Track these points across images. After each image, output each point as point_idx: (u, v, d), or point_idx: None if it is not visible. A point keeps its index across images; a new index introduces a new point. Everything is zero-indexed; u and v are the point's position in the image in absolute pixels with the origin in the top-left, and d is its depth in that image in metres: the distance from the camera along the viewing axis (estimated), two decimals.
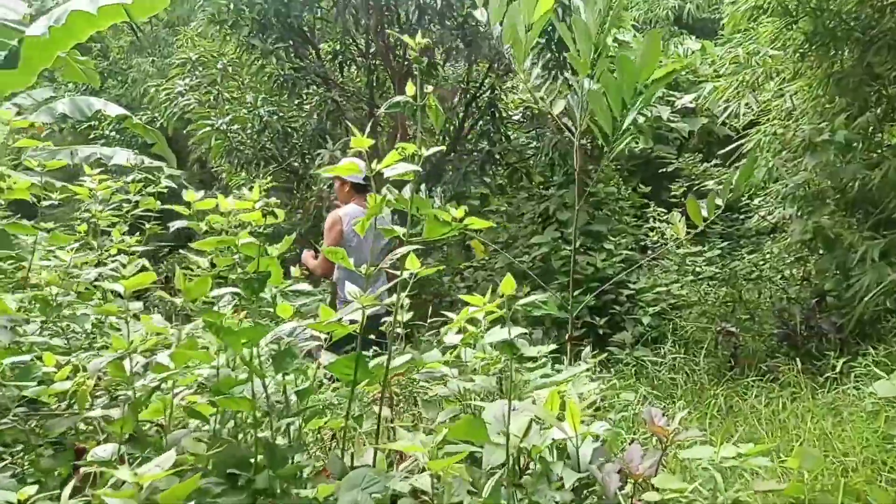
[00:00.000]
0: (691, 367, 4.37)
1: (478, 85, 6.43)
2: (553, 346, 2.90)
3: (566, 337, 3.71)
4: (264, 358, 1.54)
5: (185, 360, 1.53)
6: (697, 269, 5.40)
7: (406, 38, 1.86)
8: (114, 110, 8.94)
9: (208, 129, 5.96)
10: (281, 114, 6.14)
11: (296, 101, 6.22)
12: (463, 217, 1.76)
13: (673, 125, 8.65)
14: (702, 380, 4.21)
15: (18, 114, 10.68)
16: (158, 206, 4.42)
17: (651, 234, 6.00)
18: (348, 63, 6.67)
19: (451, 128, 6.57)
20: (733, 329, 4.34)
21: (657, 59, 2.85)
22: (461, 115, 6.53)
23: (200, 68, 6.82)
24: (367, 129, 6.54)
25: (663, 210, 6.46)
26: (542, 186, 6.38)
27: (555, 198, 5.84)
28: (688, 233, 3.47)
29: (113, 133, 11.93)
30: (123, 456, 1.53)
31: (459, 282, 6.61)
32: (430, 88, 1.67)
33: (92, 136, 12.40)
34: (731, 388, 4.12)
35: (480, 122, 6.52)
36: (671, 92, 9.14)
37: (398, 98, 1.70)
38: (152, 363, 1.54)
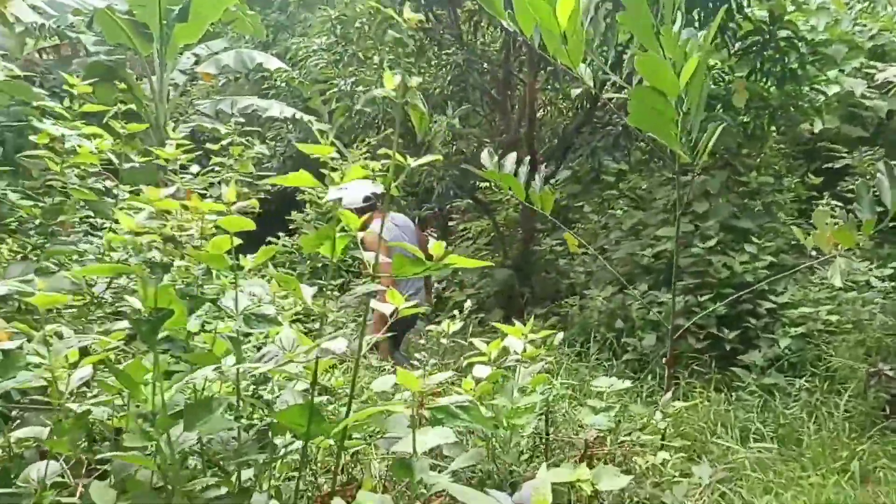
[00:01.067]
0: (831, 408, 3.59)
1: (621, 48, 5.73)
2: (628, 384, 2.46)
3: (663, 359, 3.16)
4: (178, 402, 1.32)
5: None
6: (861, 287, 4.43)
7: None
8: (274, 64, 9.30)
9: (334, 90, 5.92)
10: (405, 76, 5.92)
11: (421, 64, 5.96)
12: (442, 256, 1.39)
13: (869, 103, 7.21)
14: (842, 428, 3.43)
15: (196, 63, 11.41)
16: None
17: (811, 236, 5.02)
18: (483, 24, 6.27)
19: (584, 98, 5.96)
20: (891, 372, 3.47)
21: None
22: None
23: (339, 27, 6.79)
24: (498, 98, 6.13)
25: (838, 205, 5.39)
26: (686, 168, 5.60)
27: (695, 184, 5.08)
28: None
29: (283, 85, 12.59)
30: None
31: (579, 266, 6.10)
32: None
33: (265, 86, 13.20)
34: (879, 446, 3.32)
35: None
36: (872, 62, 7.61)
37: (376, 92, 1.36)
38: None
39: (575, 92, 5.84)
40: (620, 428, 2.34)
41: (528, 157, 3.62)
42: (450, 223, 9.31)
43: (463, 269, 7.45)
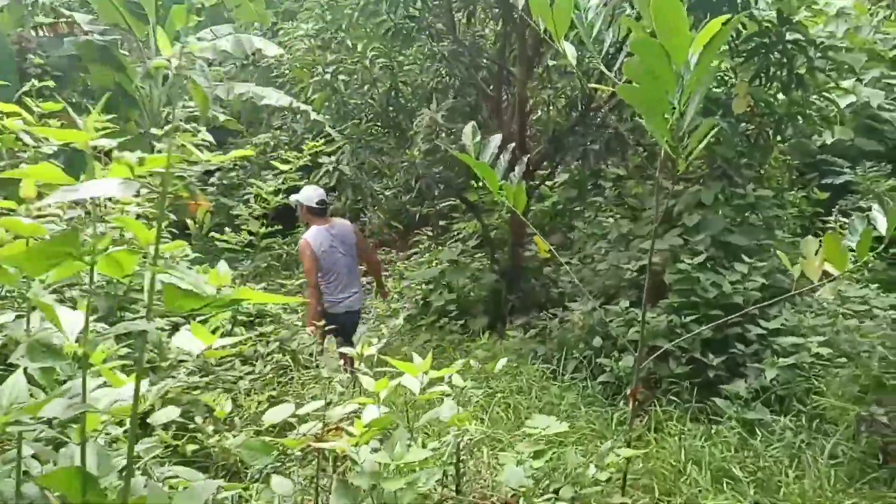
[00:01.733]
0: (817, 452, 3.23)
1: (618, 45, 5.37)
2: (564, 427, 2.13)
3: (628, 392, 2.82)
4: None
5: None
6: (863, 315, 4.06)
7: None
8: (273, 50, 9.02)
9: (316, 78, 5.63)
10: (392, 66, 5.61)
11: (409, 54, 5.64)
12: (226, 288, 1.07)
13: (888, 115, 6.78)
14: (827, 476, 3.07)
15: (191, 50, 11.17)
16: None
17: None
18: (480, 15, 5.93)
19: (580, 98, 5.60)
20: (884, 418, 3.10)
21: None
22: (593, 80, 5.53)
23: (327, 12, 6.49)
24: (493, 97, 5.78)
25: (846, 222, 5.02)
26: (681, 178, 5.23)
27: (687, 194, 4.71)
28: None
29: (287, 73, 12.33)
30: None
31: (565, 276, 5.76)
32: None
33: (274, 74, 12.96)
34: (867, 502, 2.96)
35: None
36: (893, 73, 7.18)
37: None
38: None
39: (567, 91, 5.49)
40: (556, 476, 2.02)
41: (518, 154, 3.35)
42: (441, 223, 9.01)
43: (451, 271, 7.20)
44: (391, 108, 5.78)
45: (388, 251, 11.08)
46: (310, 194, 5.03)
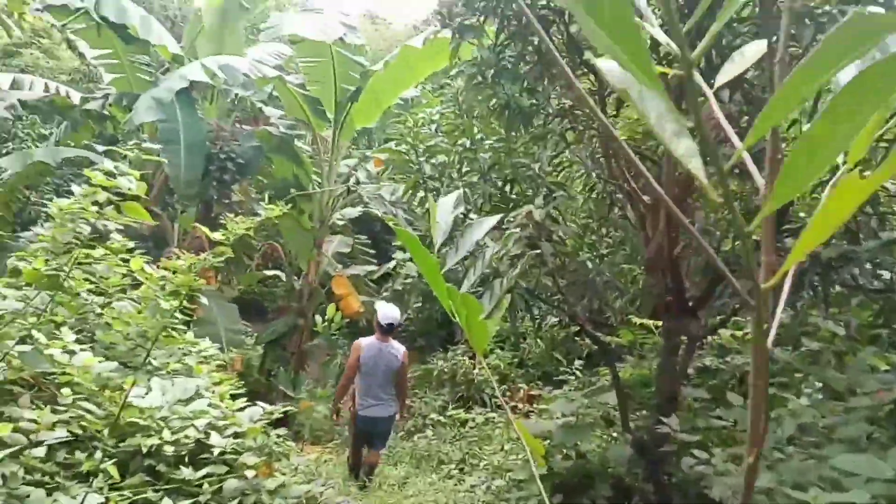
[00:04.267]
0: None
1: None
2: None
3: None
4: None
5: None
6: None
7: None
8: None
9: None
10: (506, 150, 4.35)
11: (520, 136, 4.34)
12: None
13: None
14: None
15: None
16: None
17: None
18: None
19: None
20: None
21: None
22: None
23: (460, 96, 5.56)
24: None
25: None
26: None
27: None
28: None
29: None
30: None
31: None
32: None
33: None
34: None
35: None
36: None
37: None
38: None
39: None
40: None
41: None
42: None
43: (566, 430, 5.27)
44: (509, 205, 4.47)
45: (542, 386, 9.36)
46: (385, 313, 5.53)
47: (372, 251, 11.71)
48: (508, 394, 9.57)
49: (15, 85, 9.12)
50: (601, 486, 4.66)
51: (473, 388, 10.12)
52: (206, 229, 2.97)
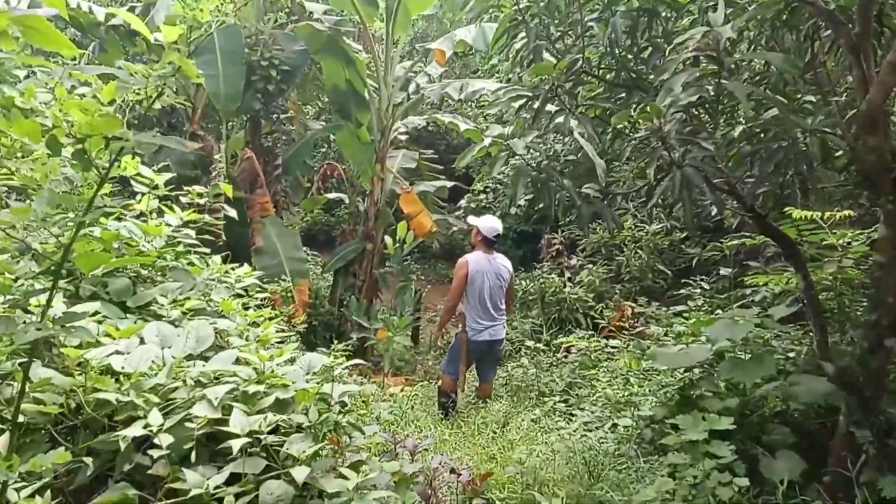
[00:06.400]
0: None
1: None
2: None
3: None
4: None
5: None
6: None
7: None
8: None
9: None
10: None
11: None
12: None
13: None
14: None
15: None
16: None
17: None
18: None
19: None
20: None
21: None
22: None
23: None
24: None
25: None
26: None
27: None
28: None
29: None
30: None
31: None
32: None
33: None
34: None
35: None
36: None
37: None
38: None
39: None
40: None
41: None
42: (726, 270, 5.78)
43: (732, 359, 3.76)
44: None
45: (647, 303, 8.09)
46: (491, 225, 5.39)
47: (439, 166, 10.47)
48: (608, 313, 8.37)
49: (34, 3, 8.14)
50: (775, 431, 3.46)
51: (566, 308, 8.98)
52: None
